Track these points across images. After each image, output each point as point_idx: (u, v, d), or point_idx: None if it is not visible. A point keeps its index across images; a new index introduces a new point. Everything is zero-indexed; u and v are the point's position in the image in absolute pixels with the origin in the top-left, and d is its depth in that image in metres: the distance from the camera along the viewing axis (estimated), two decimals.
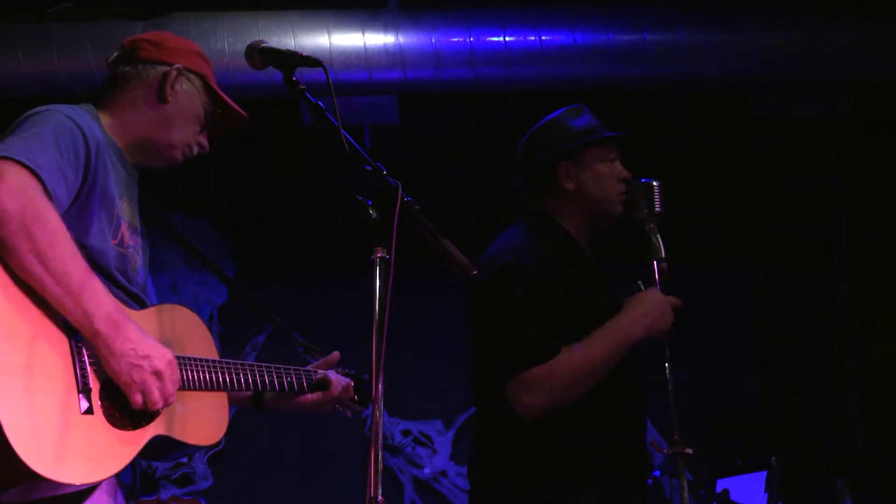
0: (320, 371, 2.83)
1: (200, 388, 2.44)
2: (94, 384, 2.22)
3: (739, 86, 5.89)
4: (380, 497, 2.00)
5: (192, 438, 2.42)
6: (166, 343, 2.38)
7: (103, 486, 2.28)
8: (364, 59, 5.39)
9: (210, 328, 2.79)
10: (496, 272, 2.98)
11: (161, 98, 2.56)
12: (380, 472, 2.02)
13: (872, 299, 6.43)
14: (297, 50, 2.39)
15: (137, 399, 2.25)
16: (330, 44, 5.36)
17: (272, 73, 2.41)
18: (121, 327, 2.23)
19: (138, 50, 2.61)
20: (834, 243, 6.62)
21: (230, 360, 2.56)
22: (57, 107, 2.40)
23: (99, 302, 2.21)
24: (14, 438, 2.05)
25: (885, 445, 6.15)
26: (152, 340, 2.29)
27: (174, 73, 2.57)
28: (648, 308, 2.97)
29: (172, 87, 2.57)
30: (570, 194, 3.15)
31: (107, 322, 2.21)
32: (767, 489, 4.66)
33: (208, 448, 6.07)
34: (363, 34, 5.39)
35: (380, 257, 2.14)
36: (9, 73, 5.28)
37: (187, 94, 2.60)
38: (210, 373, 2.47)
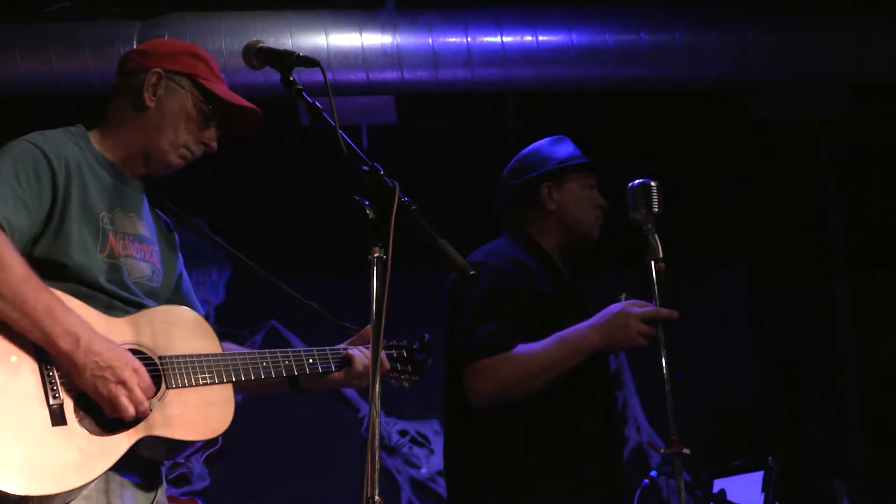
0: (350, 348, 2.79)
1: (197, 385, 2.44)
2: (67, 396, 2.26)
3: (737, 86, 5.90)
4: (377, 497, 2.00)
5: (189, 435, 2.41)
6: (160, 344, 2.41)
7: (93, 484, 2.30)
8: (361, 59, 5.39)
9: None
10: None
11: (141, 105, 2.56)
12: (376, 473, 2.02)
13: (870, 299, 6.44)
14: (294, 50, 2.39)
15: (108, 409, 2.29)
16: (327, 44, 5.36)
17: (269, 74, 2.41)
18: (81, 340, 2.26)
19: (126, 62, 2.64)
20: (832, 243, 6.63)
21: (235, 353, 2.57)
22: (27, 136, 2.44)
23: (56, 318, 2.25)
24: None
25: (882, 445, 6.15)
26: (117, 349, 2.31)
27: (153, 77, 2.56)
28: (609, 320, 3.07)
29: (154, 93, 2.55)
30: (550, 214, 3.35)
31: (66, 338, 2.25)
32: (765, 489, 4.66)
33: (206, 448, 6.10)
34: (361, 34, 5.39)
35: (377, 257, 2.14)
36: (7, 72, 5.28)
37: (172, 97, 2.57)
38: (205, 370, 2.46)
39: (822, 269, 6.59)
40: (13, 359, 2.23)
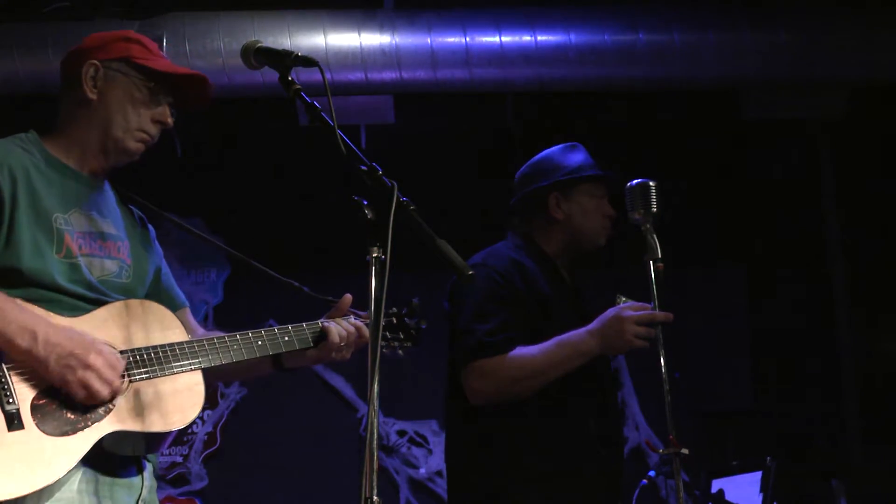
0: (327, 321, 2.75)
1: (162, 375, 2.41)
2: (22, 400, 2.24)
3: (735, 87, 5.90)
4: (375, 497, 2.00)
5: (156, 426, 2.38)
6: (123, 338, 2.39)
7: (81, 486, 2.30)
8: (360, 59, 5.39)
9: (206, 329, 2.77)
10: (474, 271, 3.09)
11: (84, 100, 2.54)
12: (375, 473, 2.02)
13: (868, 299, 6.44)
14: (293, 50, 2.39)
15: (81, 395, 2.27)
16: (326, 44, 5.36)
17: (268, 74, 2.41)
18: (39, 334, 2.25)
19: (64, 65, 2.63)
20: (830, 244, 6.63)
21: (203, 338, 2.52)
22: None
23: (9, 318, 2.25)
24: None
25: (880, 445, 6.16)
26: (77, 336, 2.30)
27: (90, 69, 2.54)
28: (605, 324, 3.09)
29: (94, 85, 2.54)
30: (557, 223, 3.38)
31: (23, 335, 2.24)
32: (763, 489, 4.66)
33: (205, 448, 6.10)
34: (359, 34, 5.39)
35: (375, 257, 2.14)
36: (5, 72, 5.28)
37: (113, 85, 2.55)
38: (170, 359, 2.43)
39: (821, 268, 6.59)
40: None
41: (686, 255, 5.87)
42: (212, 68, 5.24)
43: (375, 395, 2.05)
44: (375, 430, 2.04)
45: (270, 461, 6.10)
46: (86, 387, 2.26)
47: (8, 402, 2.23)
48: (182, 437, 6.09)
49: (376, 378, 2.06)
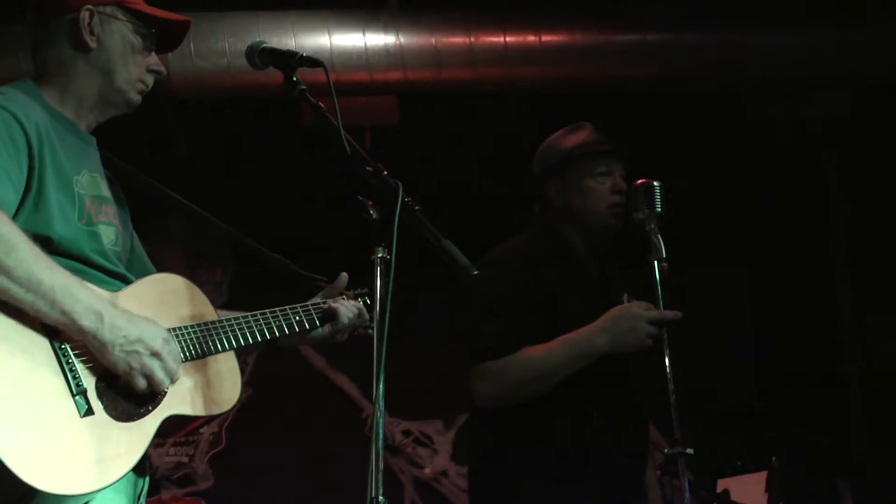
0: (328, 302, 2.73)
1: (205, 356, 2.35)
2: (87, 383, 2.11)
3: (739, 86, 5.89)
4: (380, 497, 2.00)
5: (206, 409, 2.32)
6: (160, 315, 2.29)
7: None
8: (364, 59, 5.39)
9: None
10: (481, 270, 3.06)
11: (84, 48, 2.36)
12: (380, 473, 2.02)
13: (872, 299, 6.44)
14: (297, 50, 2.39)
15: (142, 384, 2.16)
16: (330, 44, 5.36)
17: (272, 74, 2.41)
18: (105, 316, 2.11)
19: (44, 7, 2.44)
20: (833, 243, 6.62)
21: (230, 318, 2.47)
22: None
23: (75, 297, 2.09)
24: (13, 463, 1.94)
25: (886, 445, 6.15)
26: (141, 321, 2.19)
27: (86, 16, 2.36)
28: (615, 323, 3.04)
29: (92, 32, 2.36)
30: (560, 210, 3.28)
31: (88, 315, 2.10)
32: (768, 489, 4.66)
33: (210, 448, 6.10)
34: (363, 34, 5.39)
35: (380, 257, 2.14)
36: (7, 73, 5.28)
37: (110, 31, 2.38)
38: (212, 338, 2.37)
39: (824, 268, 6.59)
40: (25, 348, 2.06)
41: (689, 256, 5.86)
42: (216, 68, 5.25)
43: (380, 394, 2.05)
44: (381, 430, 2.04)
45: (275, 461, 6.10)
46: (148, 376, 2.17)
47: (77, 386, 2.09)
48: (188, 437, 6.10)
49: (381, 378, 2.05)
